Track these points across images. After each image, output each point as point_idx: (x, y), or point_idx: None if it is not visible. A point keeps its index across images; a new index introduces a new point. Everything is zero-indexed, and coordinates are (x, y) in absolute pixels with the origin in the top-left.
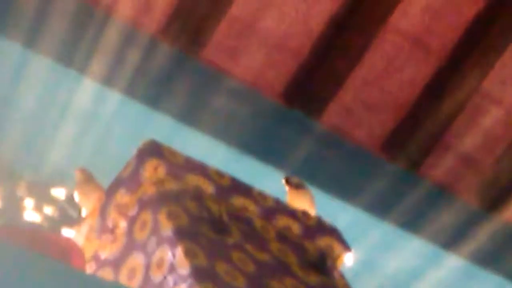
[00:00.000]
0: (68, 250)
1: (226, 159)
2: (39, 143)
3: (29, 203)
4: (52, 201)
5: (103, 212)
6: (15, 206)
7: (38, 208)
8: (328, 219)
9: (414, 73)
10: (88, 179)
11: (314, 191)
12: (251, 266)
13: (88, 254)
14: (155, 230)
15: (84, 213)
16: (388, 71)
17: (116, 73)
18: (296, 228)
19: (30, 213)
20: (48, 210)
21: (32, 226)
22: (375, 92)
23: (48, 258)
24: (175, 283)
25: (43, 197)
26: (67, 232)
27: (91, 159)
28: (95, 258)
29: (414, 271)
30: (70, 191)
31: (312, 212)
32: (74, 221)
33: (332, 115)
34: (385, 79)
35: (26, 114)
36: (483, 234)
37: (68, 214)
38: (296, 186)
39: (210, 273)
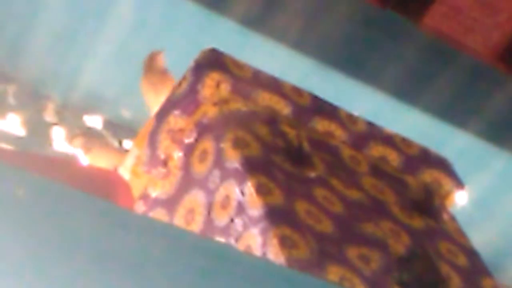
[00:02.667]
0: (112, 185)
1: (305, 73)
2: (71, 59)
3: (59, 131)
4: (87, 128)
5: (152, 140)
6: (43, 133)
7: (70, 137)
8: (434, 148)
9: None
10: (161, 68)
11: (417, 114)
12: (338, 205)
13: (135, 192)
14: (219, 162)
15: (127, 143)
16: None
17: None
18: (394, 158)
19: (61, 143)
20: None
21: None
22: None
23: (88, 195)
24: (244, 227)
25: (76, 124)
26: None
27: (135, 77)
28: (144, 197)
29: None
30: (108, 117)
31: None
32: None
33: (437, 17)
34: None
35: (55, 25)
36: None
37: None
38: None
39: (288, 214)
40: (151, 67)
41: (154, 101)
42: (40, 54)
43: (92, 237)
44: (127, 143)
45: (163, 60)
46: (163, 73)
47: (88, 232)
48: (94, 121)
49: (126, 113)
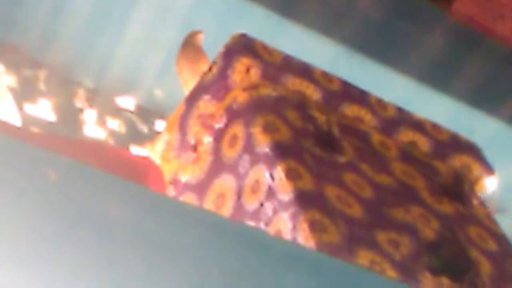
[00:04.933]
0: (145, 170)
1: (335, 59)
2: (102, 43)
3: (90, 115)
4: (118, 112)
5: (182, 124)
6: (74, 118)
7: (101, 121)
8: (464, 133)
9: None
10: (199, 47)
11: (446, 100)
12: (368, 190)
13: (165, 176)
14: (249, 146)
15: (159, 124)
16: None
17: None
18: (424, 144)
19: (92, 127)
20: (114, 123)
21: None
22: None
23: (120, 178)
24: (274, 211)
25: (107, 108)
26: (137, 151)
27: (166, 61)
28: (174, 181)
29: None
30: (140, 100)
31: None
32: (145, 137)
33: (466, 3)
34: None
35: (84, 9)
36: None
37: (138, 129)
38: None
39: (318, 199)
40: (190, 44)
41: (189, 79)
42: (70, 39)
43: (124, 220)
44: (159, 125)
45: (201, 40)
46: (200, 52)
47: (120, 216)
48: (126, 103)
49: (157, 97)
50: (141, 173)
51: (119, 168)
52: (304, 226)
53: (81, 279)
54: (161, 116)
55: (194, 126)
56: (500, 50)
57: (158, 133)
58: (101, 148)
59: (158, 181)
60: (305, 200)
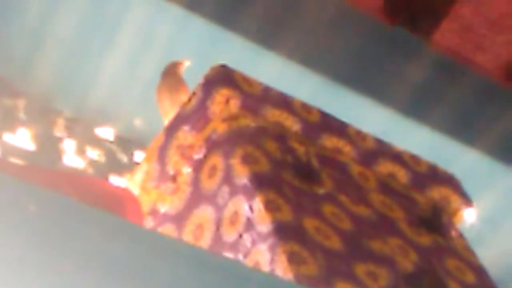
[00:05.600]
0: (123, 201)
1: (315, 90)
2: (82, 73)
3: (69, 144)
4: (98, 142)
5: (161, 155)
6: (53, 147)
7: (81, 150)
8: (443, 165)
9: None
10: (179, 77)
11: (426, 131)
12: (346, 222)
13: (144, 207)
14: (228, 178)
15: (138, 155)
16: None
17: None
18: (403, 175)
19: (71, 157)
20: (93, 153)
21: (75, 172)
22: (502, 3)
23: (99, 209)
24: (253, 243)
25: (86, 138)
26: (116, 181)
27: (146, 92)
28: (153, 212)
29: None
30: (119, 130)
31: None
32: (125, 166)
33: (446, 34)
34: None
35: (65, 38)
36: None
37: (118, 159)
38: None
39: (296, 231)
40: (170, 74)
41: (169, 109)
42: (50, 68)
43: (102, 252)
44: (138, 155)
45: (182, 70)
46: (181, 82)
47: (99, 247)
48: (106, 133)
49: (137, 127)
50: (119, 204)
51: (97, 199)
52: (282, 258)
53: None
54: (141, 146)
55: (173, 157)
56: (480, 82)
57: (138, 163)
58: (79, 179)
59: (136, 212)
60: (283, 232)
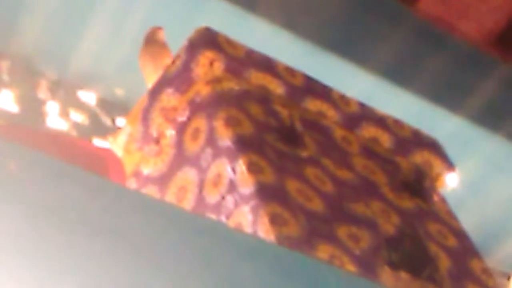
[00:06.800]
0: (106, 161)
1: (299, 54)
2: (66, 36)
3: (52, 107)
4: (81, 105)
5: (145, 117)
6: (36, 110)
7: (64, 113)
8: (426, 130)
9: None
10: (161, 42)
11: (409, 97)
12: (329, 185)
13: (127, 169)
14: (211, 140)
15: (120, 120)
16: None
17: None
18: (386, 140)
19: (54, 119)
20: (76, 116)
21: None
22: None
23: (81, 169)
24: (235, 204)
25: (69, 101)
26: (100, 143)
27: (129, 55)
28: (136, 174)
29: None
30: (102, 95)
31: None
32: (107, 130)
33: (431, 1)
34: None
35: (49, 1)
36: None
37: (101, 122)
38: None
39: (279, 193)
40: (152, 40)
41: (152, 74)
42: (34, 31)
43: (83, 211)
44: (120, 121)
45: (163, 35)
46: (164, 47)
47: (80, 206)
48: (88, 97)
49: (119, 91)
50: (102, 164)
51: (79, 158)
52: (264, 219)
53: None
54: (123, 111)
55: (156, 119)
56: (464, 48)
57: (120, 127)
58: (62, 139)
59: (119, 173)
60: (266, 194)
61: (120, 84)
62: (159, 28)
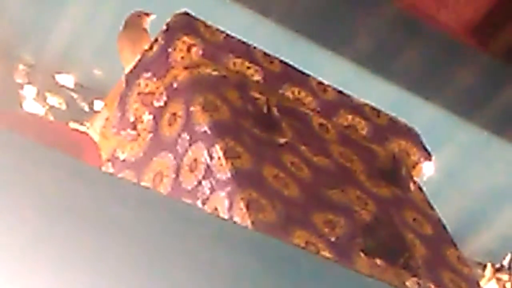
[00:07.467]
0: (81, 144)
1: (276, 40)
2: (43, 19)
3: (30, 90)
4: (58, 89)
5: (122, 102)
6: (13, 94)
7: (41, 97)
8: (403, 118)
9: None
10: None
11: (386, 85)
12: (306, 171)
13: (103, 154)
14: (188, 125)
15: (98, 103)
16: None
17: None
18: (363, 127)
19: (31, 103)
20: (53, 100)
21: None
22: None
23: (57, 151)
24: (211, 190)
25: (46, 85)
26: (76, 127)
27: (106, 39)
28: (113, 158)
29: (509, 185)
30: (79, 78)
31: None
32: (84, 114)
33: None
34: None
35: None
36: None
37: (78, 106)
38: None
39: (255, 178)
40: (134, 24)
41: (130, 58)
42: (11, 14)
43: (58, 193)
44: (98, 104)
45: (146, 21)
46: (144, 33)
47: (55, 189)
48: (66, 80)
49: (97, 75)
50: (77, 147)
51: (55, 141)
52: (240, 205)
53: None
54: (101, 95)
55: (134, 104)
56: (441, 38)
57: (97, 111)
58: (38, 121)
59: (94, 156)
60: (242, 179)
61: (98, 68)
62: (144, 13)
